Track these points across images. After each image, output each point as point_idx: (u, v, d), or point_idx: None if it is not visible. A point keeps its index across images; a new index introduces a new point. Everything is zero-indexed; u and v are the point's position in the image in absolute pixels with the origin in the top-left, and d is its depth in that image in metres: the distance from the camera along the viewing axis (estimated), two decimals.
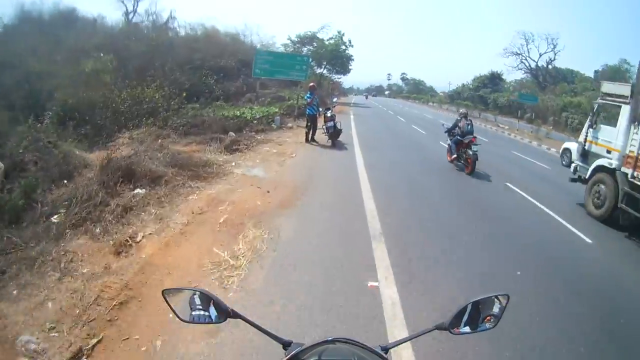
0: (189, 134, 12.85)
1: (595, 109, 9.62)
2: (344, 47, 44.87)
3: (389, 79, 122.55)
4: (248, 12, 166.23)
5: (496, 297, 1.43)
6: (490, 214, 8.31)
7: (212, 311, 1.40)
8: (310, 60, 21.81)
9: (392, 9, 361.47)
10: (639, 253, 7.25)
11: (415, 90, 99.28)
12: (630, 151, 7.97)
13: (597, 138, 9.34)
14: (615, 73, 45.08)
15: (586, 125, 9.81)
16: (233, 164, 9.96)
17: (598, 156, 9.15)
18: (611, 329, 4.41)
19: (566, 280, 5.48)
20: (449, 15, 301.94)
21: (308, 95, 14.11)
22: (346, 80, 65.56)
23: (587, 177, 9.39)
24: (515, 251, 6.35)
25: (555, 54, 55.17)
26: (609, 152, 8.80)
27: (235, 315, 1.39)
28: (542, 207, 9.19)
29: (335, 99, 17.57)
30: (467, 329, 1.42)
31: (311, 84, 14.51)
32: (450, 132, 12.47)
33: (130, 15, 38.59)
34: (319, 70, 45.13)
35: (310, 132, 14.01)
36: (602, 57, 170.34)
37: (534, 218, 8.55)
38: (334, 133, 13.61)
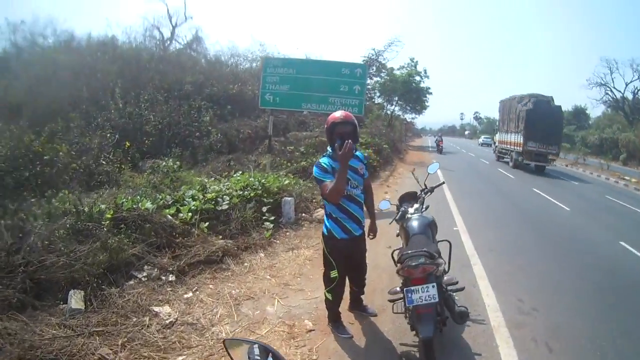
0: None
1: (495, 130, 37.10)
2: (418, 77, 36.70)
3: (461, 119, 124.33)
4: (313, 44, 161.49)
5: None
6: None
7: None
8: (367, 75, 11.22)
9: (461, 41, 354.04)
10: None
11: (490, 130, 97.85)
12: (497, 139, 31.74)
13: (492, 137, 44.32)
14: None
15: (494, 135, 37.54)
16: None
17: (495, 144, 32.94)
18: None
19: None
20: (521, 48, 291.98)
21: (325, 161, 3.84)
22: (418, 121, 59.17)
23: (495, 150, 31.65)
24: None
25: None
26: (496, 142, 32.68)
27: None
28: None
29: (433, 169, 5.26)
30: None
31: (337, 115, 3.80)
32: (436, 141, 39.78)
33: (167, 43, 33.72)
34: (390, 107, 37.99)
35: (340, 295, 4.26)
36: None
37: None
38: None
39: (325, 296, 4.25)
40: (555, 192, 16.09)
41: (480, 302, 5.20)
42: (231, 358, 1.50)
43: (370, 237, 4.34)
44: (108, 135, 12.03)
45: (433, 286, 3.56)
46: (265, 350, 1.47)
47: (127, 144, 11.71)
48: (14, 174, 8.60)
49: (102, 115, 13.85)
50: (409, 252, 3.68)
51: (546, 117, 22.37)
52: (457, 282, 4.41)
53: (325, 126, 3.89)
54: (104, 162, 10.72)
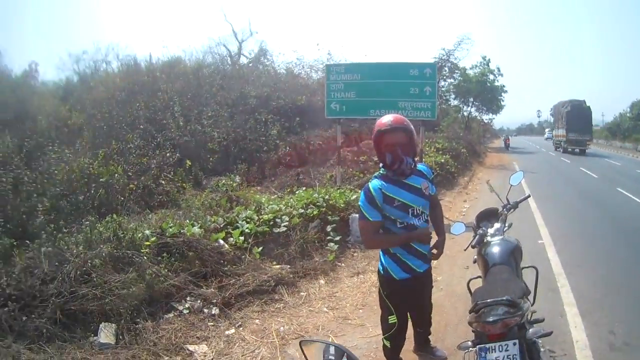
0: None
1: (552, 127, 53.95)
2: (491, 76, 35.78)
3: (539, 116, 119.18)
4: (381, 49, 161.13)
5: None
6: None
7: None
8: (437, 75, 10.83)
9: (533, 36, 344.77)
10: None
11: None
12: (553, 134, 46.05)
13: (552, 132, 50.94)
14: None
15: (552, 129, 51.12)
16: None
17: (553, 137, 46.62)
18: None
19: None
20: (593, 39, 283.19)
21: (375, 185, 3.09)
22: (496, 121, 60.75)
23: (553, 142, 44.81)
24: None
25: None
26: (553, 135, 46.31)
27: None
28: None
29: (517, 179, 4.30)
30: None
31: (384, 121, 3.07)
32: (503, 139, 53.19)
33: (236, 58, 34.34)
34: (466, 109, 37.65)
35: (401, 342, 3.55)
36: None
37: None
38: None
39: (383, 343, 3.54)
40: None
41: (567, 337, 4.44)
42: (305, 358, 1.61)
43: (433, 255, 3.39)
44: (168, 154, 12.08)
45: (514, 343, 2.76)
46: (340, 351, 1.53)
47: (188, 162, 11.68)
48: (69, 198, 8.71)
49: (162, 134, 14.07)
50: (487, 300, 2.83)
51: (580, 115, 34.96)
52: (543, 320, 3.36)
53: (372, 136, 3.18)
54: (163, 182, 10.71)
